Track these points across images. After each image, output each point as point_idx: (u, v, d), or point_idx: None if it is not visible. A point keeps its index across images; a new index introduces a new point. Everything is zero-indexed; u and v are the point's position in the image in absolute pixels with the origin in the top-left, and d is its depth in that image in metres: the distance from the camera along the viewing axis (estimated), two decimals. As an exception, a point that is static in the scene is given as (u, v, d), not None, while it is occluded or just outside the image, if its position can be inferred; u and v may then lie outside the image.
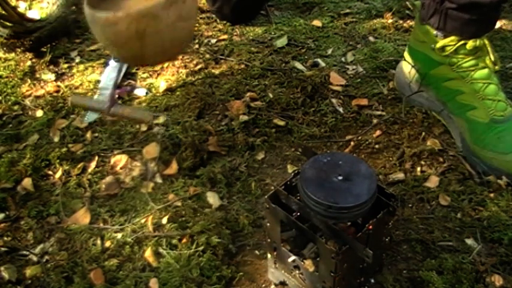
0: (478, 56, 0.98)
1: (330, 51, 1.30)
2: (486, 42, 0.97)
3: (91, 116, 1.11)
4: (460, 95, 1.01)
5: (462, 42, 0.97)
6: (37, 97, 1.17)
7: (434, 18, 0.99)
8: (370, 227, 0.68)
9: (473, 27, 0.96)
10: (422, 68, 1.06)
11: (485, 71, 0.98)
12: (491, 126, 0.97)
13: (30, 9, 1.48)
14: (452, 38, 0.97)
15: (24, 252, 0.86)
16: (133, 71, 1.25)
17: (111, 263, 0.83)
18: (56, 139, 1.06)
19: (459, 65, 0.99)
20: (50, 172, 0.99)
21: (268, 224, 0.73)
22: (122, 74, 1.22)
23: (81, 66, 1.26)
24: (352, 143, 1.04)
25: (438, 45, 0.99)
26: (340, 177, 0.67)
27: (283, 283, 0.79)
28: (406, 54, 1.11)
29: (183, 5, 0.81)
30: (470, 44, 0.96)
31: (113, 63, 1.25)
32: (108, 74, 1.23)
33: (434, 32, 1.00)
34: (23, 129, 1.08)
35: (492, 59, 0.98)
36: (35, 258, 0.85)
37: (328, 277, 0.68)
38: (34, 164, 0.99)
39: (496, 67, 0.99)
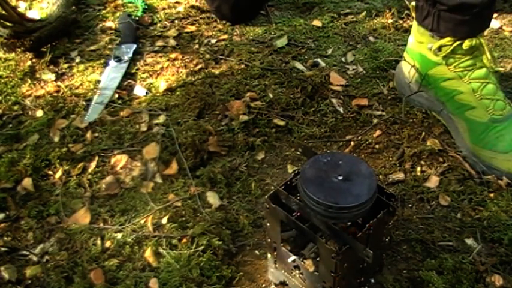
0: (475, 55, 0.98)
1: (330, 51, 1.30)
2: (482, 41, 0.97)
3: (91, 116, 1.11)
4: (458, 94, 1.01)
5: (458, 42, 0.97)
6: (37, 97, 1.17)
7: (428, 20, 0.99)
8: (370, 227, 0.68)
9: (467, 28, 0.96)
10: (421, 68, 1.06)
11: (483, 70, 0.98)
12: (491, 125, 0.97)
13: (30, 9, 1.48)
14: (449, 38, 0.97)
15: (24, 252, 0.86)
16: (133, 71, 1.25)
17: (111, 263, 0.83)
18: (56, 139, 1.06)
19: (456, 65, 0.99)
20: (50, 172, 0.99)
21: (268, 224, 0.73)
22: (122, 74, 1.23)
23: (81, 66, 1.26)
24: (352, 143, 1.04)
25: (435, 45, 0.99)
26: (340, 177, 0.67)
27: (283, 283, 0.79)
28: (405, 55, 1.11)
29: None
30: (466, 43, 0.96)
31: (113, 63, 1.25)
32: (108, 74, 1.23)
33: (430, 33, 1.00)
34: (23, 129, 1.08)
35: (489, 57, 0.98)
36: (35, 258, 0.85)
37: (328, 277, 0.68)
38: (34, 164, 0.99)
39: (494, 66, 0.99)
